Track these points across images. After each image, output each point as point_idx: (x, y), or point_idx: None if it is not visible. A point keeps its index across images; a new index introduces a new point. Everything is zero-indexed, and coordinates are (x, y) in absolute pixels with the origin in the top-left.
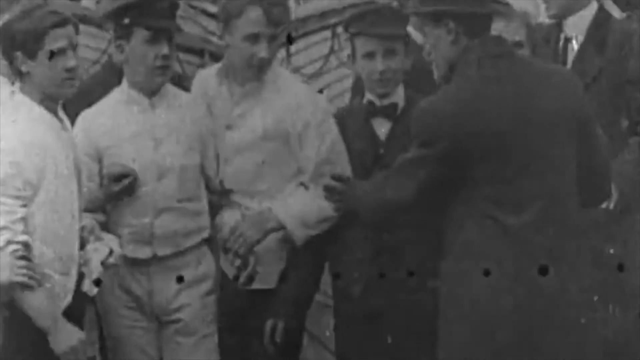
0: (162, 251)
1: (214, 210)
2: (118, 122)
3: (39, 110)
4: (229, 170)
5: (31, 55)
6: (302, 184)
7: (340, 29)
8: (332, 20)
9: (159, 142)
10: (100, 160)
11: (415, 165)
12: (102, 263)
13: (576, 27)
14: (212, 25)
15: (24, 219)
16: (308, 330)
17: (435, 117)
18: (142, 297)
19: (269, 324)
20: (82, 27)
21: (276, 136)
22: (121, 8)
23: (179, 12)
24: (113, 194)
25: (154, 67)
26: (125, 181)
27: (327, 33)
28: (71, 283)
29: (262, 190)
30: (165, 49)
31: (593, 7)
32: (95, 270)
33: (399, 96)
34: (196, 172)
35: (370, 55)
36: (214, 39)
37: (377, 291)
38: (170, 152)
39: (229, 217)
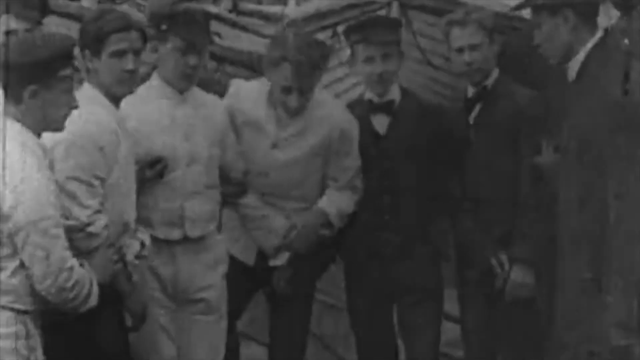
0: (192, 232)
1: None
2: (152, 113)
3: (105, 101)
4: (269, 182)
5: (96, 53)
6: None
7: (340, 29)
8: (332, 20)
9: (189, 133)
10: (136, 147)
11: None
12: (136, 256)
13: None
14: (212, 25)
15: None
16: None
17: None
18: (167, 277)
19: (276, 274)
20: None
21: (319, 153)
22: (161, 17)
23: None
24: (145, 179)
25: (183, 74)
26: (158, 167)
27: (327, 33)
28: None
29: (297, 196)
30: (194, 60)
31: None
32: (130, 264)
33: (394, 93)
34: (217, 162)
35: (370, 60)
36: (215, 39)
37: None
38: (198, 143)
39: (276, 222)
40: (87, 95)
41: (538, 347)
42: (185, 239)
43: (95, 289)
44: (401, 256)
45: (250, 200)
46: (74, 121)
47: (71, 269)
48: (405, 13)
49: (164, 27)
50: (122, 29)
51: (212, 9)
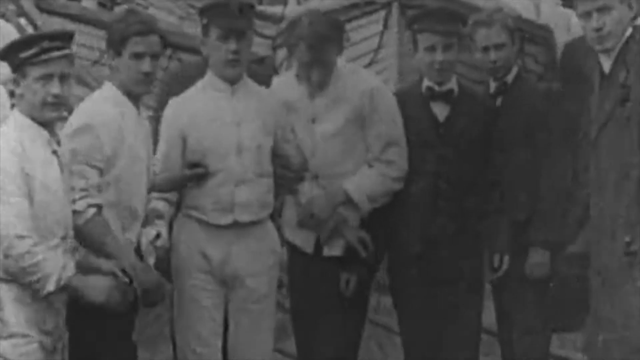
0: (242, 218)
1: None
2: (203, 106)
3: (121, 97)
4: (315, 160)
5: (118, 53)
6: (365, 162)
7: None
8: None
9: (239, 123)
10: (184, 141)
11: None
12: (151, 243)
13: None
14: None
15: (99, 186)
16: None
17: None
18: (216, 262)
19: (344, 276)
20: (82, 27)
21: (355, 122)
22: (201, 10)
23: (179, 12)
24: (186, 178)
25: (226, 60)
26: (198, 170)
27: None
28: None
29: (343, 173)
30: (233, 46)
31: None
32: (146, 251)
33: (453, 83)
34: (269, 153)
35: (431, 49)
36: None
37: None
38: (248, 132)
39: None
40: (103, 93)
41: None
42: (236, 224)
43: (60, 276)
44: (452, 243)
45: (305, 186)
46: (80, 113)
47: (21, 237)
48: (405, 13)
49: (204, 21)
50: (143, 33)
51: None
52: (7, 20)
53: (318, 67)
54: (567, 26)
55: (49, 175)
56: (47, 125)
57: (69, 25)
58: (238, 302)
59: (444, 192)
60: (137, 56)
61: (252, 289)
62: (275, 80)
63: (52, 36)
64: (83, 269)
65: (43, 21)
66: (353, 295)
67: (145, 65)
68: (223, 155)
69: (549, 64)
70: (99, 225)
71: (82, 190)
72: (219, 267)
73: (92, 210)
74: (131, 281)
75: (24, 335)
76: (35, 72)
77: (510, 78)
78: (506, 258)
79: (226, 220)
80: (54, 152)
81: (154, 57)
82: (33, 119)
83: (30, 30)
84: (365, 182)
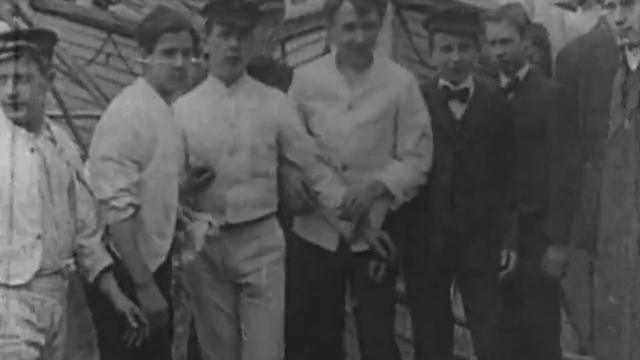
0: (234, 219)
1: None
2: (201, 107)
3: (153, 94)
4: (348, 148)
5: (149, 50)
6: (395, 156)
7: None
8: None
9: (233, 123)
10: (185, 140)
11: None
12: (206, 236)
13: None
14: None
15: (138, 183)
16: None
17: None
18: (216, 262)
19: (372, 264)
20: (77, 26)
21: (390, 112)
22: (204, 7)
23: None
24: (194, 187)
25: (226, 58)
26: (205, 175)
27: (322, 33)
28: (166, 247)
29: (371, 164)
30: (234, 42)
31: None
32: (199, 242)
33: (469, 82)
34: (268, 152)
35: (447, 48)
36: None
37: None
38: (243, 132)
39: (334, 191)
40: (137, 88)
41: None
42: (229, 226)
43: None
44: (466, 239)
45: (327, 182)
46: (113, 108)
47: None
48: (400, 13)
49: (207, 18)
50: (173, 29)
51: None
52: (3, 19)
53: (362, 30)
54: (561, 26)
55: (21, 172)
56: (22, 122)
57: (64, 25)
58: (244, 300)
59: (460, 187)
60: (169, 52)
61: (255, 286)
62: (303, 67)
63: (6, 36)
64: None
65: (38, 20)
66: (382, 281)
67: (178, 60)
68: (216, 156)
69: (543, 63)
70: (129, 229)
71: (123, 190)
72: (221, 267)
73: (131, 211)
74: (141, 324)
75: (12, 336)
76: None
77: (522, 74)
78: (514, 255)
79: (219, 221)
80: (33, 150)
81: (186, 52)
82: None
83: None
84: (401, 175)
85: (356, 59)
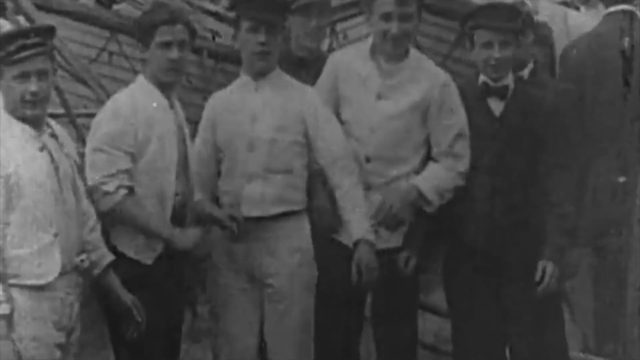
0: (249, 212)
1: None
2: (228, 101)
3: (151, 88)
4: (374, 139)
5: (146, 45)
6: (431, 158)
7: (339, 27)
8: (330, 19)
9: (255, 118)
10: (214, 134)
11: None
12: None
13: None
14: (211, 23)
15: (130, 171)
16: None
17: None
18: (239, 259)
19: (403, 255)
20: (79, 24)
21: (421, 108)
22: (232, 3)
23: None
24: (216, 220)
25: (254, 53)
26: (230, 225)
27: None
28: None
29: (397, 159)
30: (262, 37)
31: None
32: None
33: (509, 80)
34: (289, 147)
35: (488, 45)
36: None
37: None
38: (262, 127)
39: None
40: (135, 84)
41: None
42: (253, 220)
43: None
44: (508, 240)
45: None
46: (108, 104)
47: None
48: None
49: (236, 13)
50: (169, 22)
51: (210, 6)
52: (6, 18)
53: (399, 21)
54: (564, 24)
55: (36, 171)
56: (32, 121)
57: (68, 23)
58: (266, 300)
59: (501, 186)
60: (165, 45)
61: (275, 288)
62: (345, 50)
63: (27, 33)
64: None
65: (41, 19)
66: (410, 274)
67: (173, 53)
68: (235, 150)
69: (546, 62)
70: (132, 204)
71: (110, 175)
72: (244, 264)
73: (123, 191)
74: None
75: (35, 338)
76: (11, 71)
77: (525, 73)
78: (550, 267)
79: (237, 214)
80: (43, 149)
81: (181, 45)
82: (17, 117)
83: None
84: (436, 179)
85: (391, 49)
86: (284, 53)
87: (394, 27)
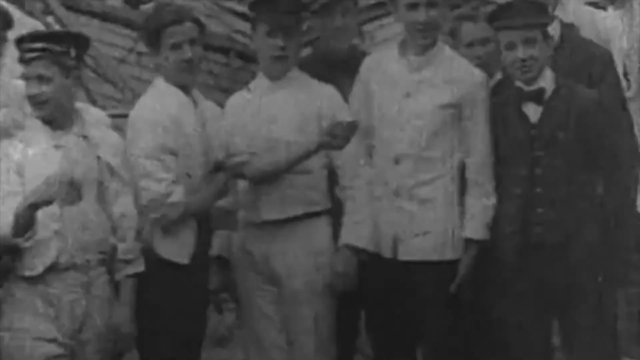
0: (267, 215)
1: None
2: (245, 103)
3: (172, 90)
4: (402, 138)
5: (157, 48)
6: (474, 181)
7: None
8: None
9: (272, 119)
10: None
11: None
12: None
13: None
14: (238, 24)
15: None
16: None
17: None
18: (260, 260)
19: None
20: (108, 25)
21: (452, 106)
22: (250, 4)
23: (205, 11)
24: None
25: (272, 57)
26: (238, 159)
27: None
28: (191, 238)
29: (429, 160)
30: (280, 42)
31: None
32: None
33: (545, 80)
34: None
35: (511, 46)
36: (240, 38)
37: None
38: (280, 128)
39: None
40: (156, 88)
41: None
42: (265, 223)
43: None
44: (557, 255)
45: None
46: (141, 109)
47: None
48: None
49: (253, 14)
50: (176, 22)
51: (238, 7)
52: (35, 18)
53: (426, 9)
54: (592, 25)
55: (42, 167)
56: (46, 120)
57: (96, 24)
58: (283, 301)
59: (542, 198)
60: (176, 46)
61: (291, 290)
62: (376, 50)
63: (32, 37)
64: None
65: (69, 19)
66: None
67: (186, 53)
68: (253, 153)
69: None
70: (182, 207)
71: (171, 184)
72: (262, 265)
73: (183, 203)
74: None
75: (38, 339)
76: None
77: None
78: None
79: (256, 218)
80: (58, 147)
81: (192, 42)
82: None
83: (57, 28)
84: (480, 219)
85: (420, 39)
86: (319, 54)
87: (421, 14)
